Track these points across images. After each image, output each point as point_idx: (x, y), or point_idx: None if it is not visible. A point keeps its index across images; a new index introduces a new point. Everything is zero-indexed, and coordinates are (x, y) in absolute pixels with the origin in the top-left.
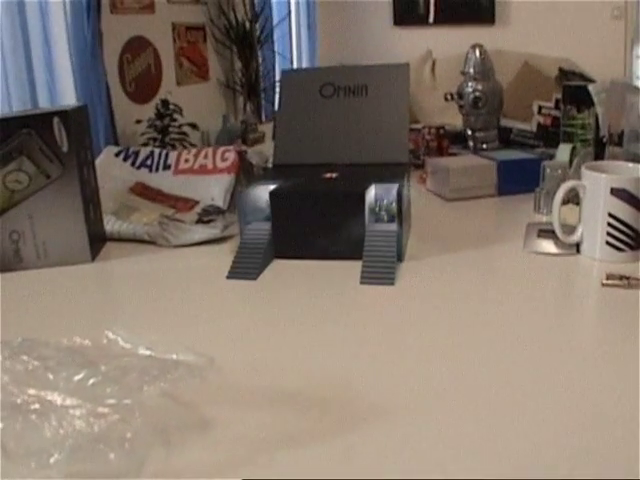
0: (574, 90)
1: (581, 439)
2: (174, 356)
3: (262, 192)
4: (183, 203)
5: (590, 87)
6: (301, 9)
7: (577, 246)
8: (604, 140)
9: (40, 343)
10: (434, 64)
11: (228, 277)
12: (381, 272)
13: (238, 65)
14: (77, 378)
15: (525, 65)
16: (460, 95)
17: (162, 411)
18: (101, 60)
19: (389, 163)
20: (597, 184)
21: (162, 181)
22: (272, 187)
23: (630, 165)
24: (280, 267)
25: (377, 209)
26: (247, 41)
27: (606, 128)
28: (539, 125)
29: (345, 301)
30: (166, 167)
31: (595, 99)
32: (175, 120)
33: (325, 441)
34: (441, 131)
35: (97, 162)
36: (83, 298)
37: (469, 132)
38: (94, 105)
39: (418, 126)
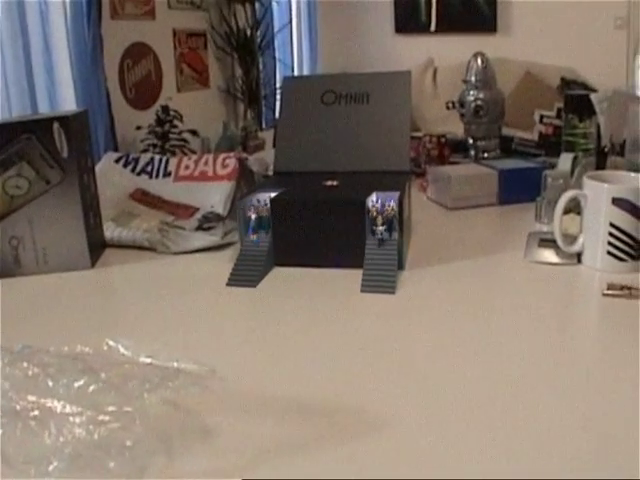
0: (576, 99)
1: (583, 449)
2: (175, 364)
3: (263, 199)
4: (183, 210)
5: (592, 96)
6: (302, 16)
7: (578, 256)
8: (606, 150)
9: (40, 350)
10: (435, 72)
11: (228, 284)
12: (382, 280)
13: (239, 72)
14: (77, 385)
15: (527, 74)
16: (461, 103)
17: (163, 419)
18: (101, 66)
19: (390, 171)
20: (598, 194)
21: (162, 188)
22: (273, 194)
23: (632, 175)
24: (280, 275)
25: (378, 217)
26: (248, 48)
27: (608, 138)
28: (541, 134)
29: (346, 309)
30: (166, 174)
31: (597, 108)
32: (175, 127)
33: (327, 450)
34: (442, 139)
35: (97, 168)
36: (83, 304)
37: (470, 141)
38: (94, 111)
39: (419, 134)
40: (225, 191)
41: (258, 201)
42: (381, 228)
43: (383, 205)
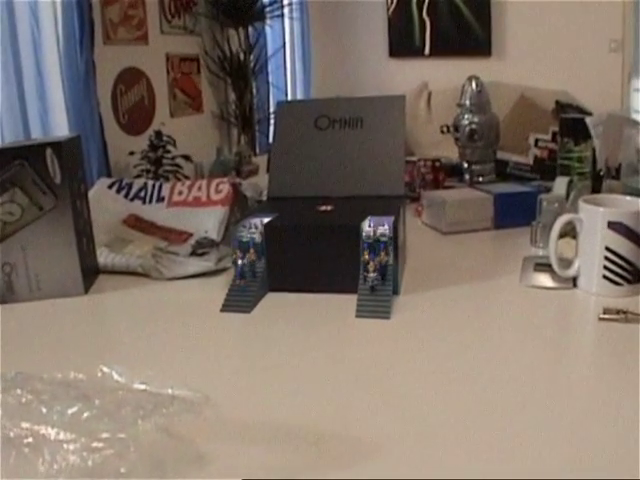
0: (571, 123)
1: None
2: (169, 391)
3: (256, 225)
4: (177, 235)
5: (587, 120)
6: (296, 40)
7: (574, 280)
8: (601, 173)
9: (34, 376)
10: (430, 96)
11: (222, 310)
12: (377, 306)
13: (232, 97)
14: (71, 412)
15: (522, 98)
16: (456, 127)
17: (157, 446)
18: (94, 91)
19: (385, 196)
20: (594, 217)
21: (156, 213)
22: (266, 220)
23: (627, 199)
24: (275, 300)
25: (372, 242)
26: (241, 72)
27: (603, 161)
28: (536, 158)
29: (340, 335)
30: (160, 199)
31: (592, 132)
32: (169, 152)
33: (321, 476)
34: (437, 164)
35: (90, 194)
36: (76, 331)
37: (465, 165)
38: (87, 136)
39: (414, 158)
40: (219, 216)
41: (252, 226)
42: (372, 275)
43: (377, 230)
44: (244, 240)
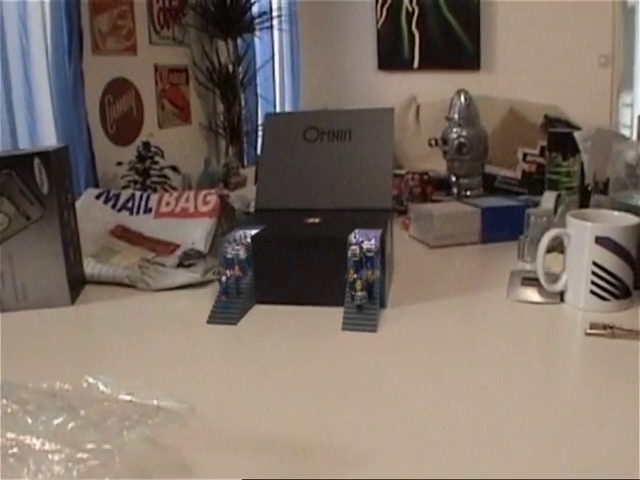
0: (560, 137)
1: None
2: (155, 401)
3: (244, 237)
4: (164, 246)
5: (576, 134)
6: (284, 52)
7: (561, 295)
8: (589, 188)
9: (19, 386)
10: (418, 109)
11: (209, 322)
12: (363, 319)
13: (220, 108)
14: (56, 422)
15: (510, 111)
16: (444, 141)
17: (142, 456)
18: (82, 101)
19: (372, 209)
20: (582, 232)
21: (143, 224)
22: (254, 232)
23: (615, 214)
24: (261, 312)
25: (359, 255)
26: (230, 84)
27: (592, 176)
28: (524, 172)
29: (327, 348)
30: (147, 210)
31: (581, 147)
32: (156, 163)
33: None
34: (425, 177)
35: (77, 204)
36: (62, 341)
37: (453, 178)
38: (75, 147)
39: (402, 172)
40: (206, 228)
41: (237, 241)
42: (360, 294)
43: (365, 243)
44: (228, 257)
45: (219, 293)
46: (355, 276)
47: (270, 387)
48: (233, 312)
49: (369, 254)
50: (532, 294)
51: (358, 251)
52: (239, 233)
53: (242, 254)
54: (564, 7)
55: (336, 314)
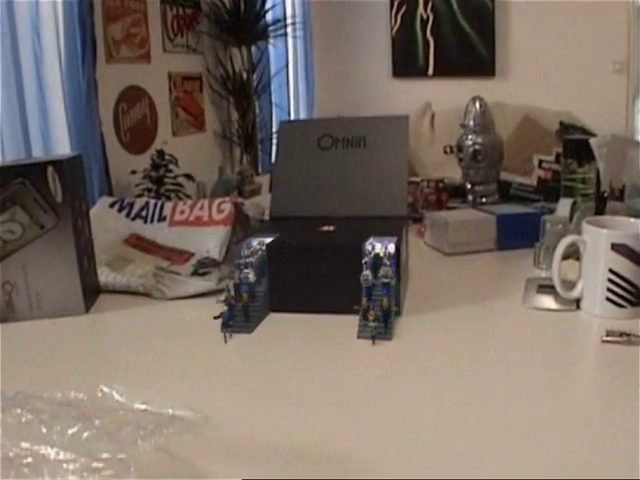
0: (575, 144)
1: None
2: (170, 411)
3: (258, 245)
4: (178, 255)
5: (591, 141)
6: (299, 60)
7: (577, 302)
8: (605, 195)
9: (34, 396)
10: (433, 116)
11: (223, 330)
12: (379, 327)
13: (235, 116)
14: (71, 432)
15: (525, 118)
16: (459, 148)
17: (157, 466)
18: (96, 109)
19: (387, 216)
20: (598, 239)
21: (157, 232)
22: (269, 240)
23: (631, 220)
24: (276, 321)
25: (375, 263)
26: (244, 91)
27: (607, 183)
28: (539, 179)
29: (342, 356)
30: (161, 218)
31: (596, 153)
32: (170, 171)
33: None
34: (440, 184)
35: (91, 213)
36: (77, 350)
37: (468, 186)
38: (88, 155)
39: (417, 179)
40: (220, 236)
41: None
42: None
43: (380, 251)
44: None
45: (232, 301)
46: (368, 304)
47: (284, 397)
48: (248, 320)
49: (385, 262)
50: (548, 301)
51: (369, 277)
52: (254, 241)
53: (257, 263)
54: (578, 14)
55: (351, 322)
